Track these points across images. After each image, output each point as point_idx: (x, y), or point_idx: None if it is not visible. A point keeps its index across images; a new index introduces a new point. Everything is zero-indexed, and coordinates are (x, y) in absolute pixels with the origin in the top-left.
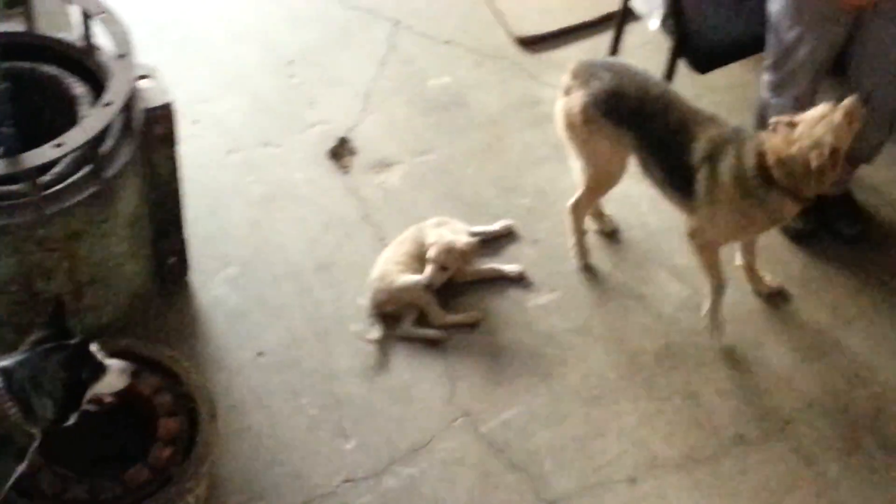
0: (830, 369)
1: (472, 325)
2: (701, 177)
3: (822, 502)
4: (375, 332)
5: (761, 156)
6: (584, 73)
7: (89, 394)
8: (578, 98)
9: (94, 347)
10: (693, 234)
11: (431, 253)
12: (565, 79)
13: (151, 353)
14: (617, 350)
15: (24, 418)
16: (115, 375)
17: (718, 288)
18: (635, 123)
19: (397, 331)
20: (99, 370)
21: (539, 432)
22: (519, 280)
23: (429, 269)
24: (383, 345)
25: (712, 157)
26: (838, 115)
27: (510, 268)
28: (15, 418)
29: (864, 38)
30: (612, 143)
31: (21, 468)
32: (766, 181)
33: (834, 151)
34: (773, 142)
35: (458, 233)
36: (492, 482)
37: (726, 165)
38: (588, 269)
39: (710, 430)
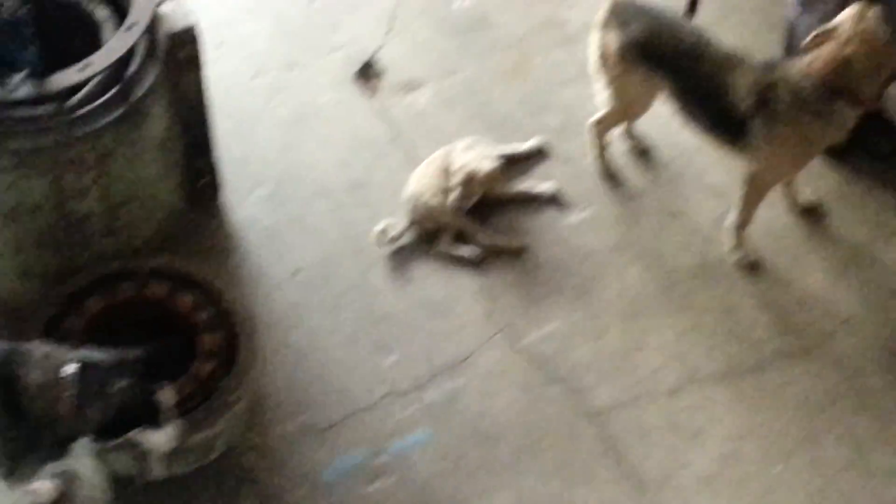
0: (869, 284)
1: (515, 253)
2: (757, 124)
3: (865, 414)
4: (395, 230)
5: (816, 72)
6: (622, 14)
7: (134, 434)
8: (614, 39)
9: (165, 404)
10: (755, 177)
11: (455, 180)
12: (601, 14)
13: (188, 271)
14: (653, 266)
15: (76, 412)
16: (166, 434)
17: (747, 221)
18: (670, 72)
19: (435, 248)
20: (156, 423)
21: (578, 347)
22: (553, 199)
23: (453, 196)
24: (418, 259)
25: (763, 104)
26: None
27: (544, 186)
28: (65, 407)
29: None
30: (644, 85)
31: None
32: (828, 95)
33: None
34: (823, 52)
35: (486, 156)
36: (533, 395)
37: (783, 104)
38: (611, 179)
39: (749, 344)
